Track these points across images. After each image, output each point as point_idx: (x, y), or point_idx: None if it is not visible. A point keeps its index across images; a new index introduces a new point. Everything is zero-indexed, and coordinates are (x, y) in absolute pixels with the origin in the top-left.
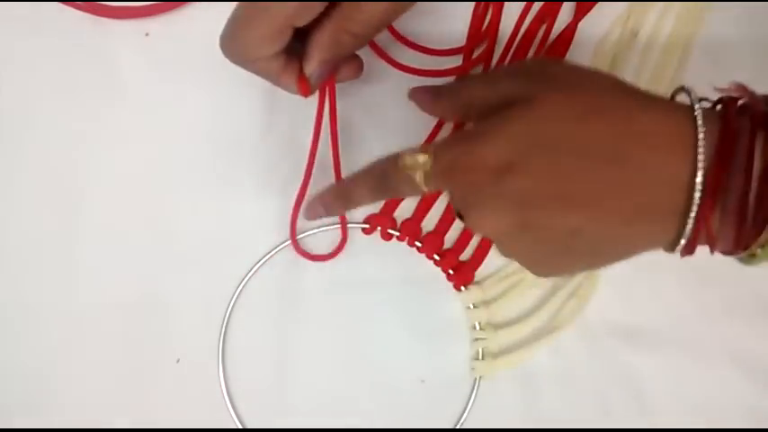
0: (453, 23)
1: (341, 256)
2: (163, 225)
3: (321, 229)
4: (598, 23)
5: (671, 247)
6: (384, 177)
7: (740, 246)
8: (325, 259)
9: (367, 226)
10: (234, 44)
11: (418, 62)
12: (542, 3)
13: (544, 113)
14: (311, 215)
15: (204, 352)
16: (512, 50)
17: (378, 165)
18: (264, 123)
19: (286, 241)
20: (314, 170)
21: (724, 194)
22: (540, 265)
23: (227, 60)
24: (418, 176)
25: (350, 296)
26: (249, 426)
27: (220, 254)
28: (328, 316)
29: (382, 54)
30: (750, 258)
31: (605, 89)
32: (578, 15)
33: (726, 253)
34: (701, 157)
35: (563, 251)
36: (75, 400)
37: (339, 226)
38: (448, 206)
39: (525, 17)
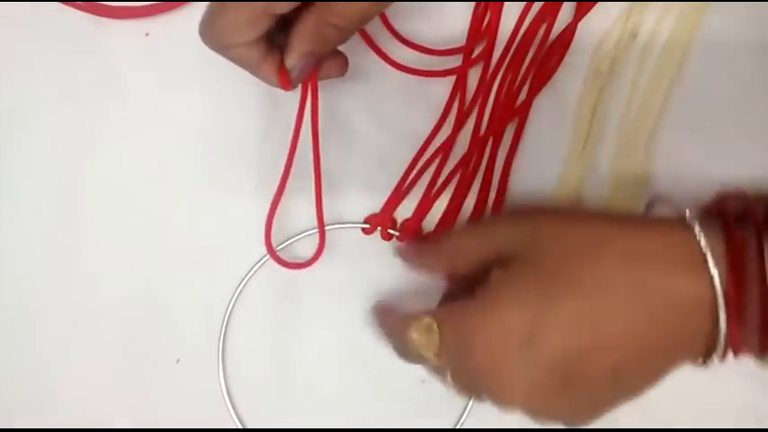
0: (453, 23)
1: (341, 256)
2: (163, 225)
3: (304, 235)
4: (597, 24)
5: (701, 362)
6: (396, 341)
7: (765, 351)
8: (302, 267)
9: (367, 226)
10: (211, 29)
11: (418, 62)
12: (542, 2)
13: (551, 267)
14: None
15: (204, 352)
16: (511, 50)
17: (388, 328)
18: (264, 123)
19: (279, 245)
20: (303, 172)
21: (745, 308)
22: (584, 415)
23: (226, 60)
24: (428, 354)
25: (350, 296)
26: (249, 426)
27: (220, 254)
28: (328, 316)
29: (381, 54)
30: None
31: (595, 224)
32: (578, 15)
33: (749, 356)
34: (716, 279)
35: (606, 394)
36: (75, 400)
37: (317, 231)
38: (448, 206)
39: (525, 17)
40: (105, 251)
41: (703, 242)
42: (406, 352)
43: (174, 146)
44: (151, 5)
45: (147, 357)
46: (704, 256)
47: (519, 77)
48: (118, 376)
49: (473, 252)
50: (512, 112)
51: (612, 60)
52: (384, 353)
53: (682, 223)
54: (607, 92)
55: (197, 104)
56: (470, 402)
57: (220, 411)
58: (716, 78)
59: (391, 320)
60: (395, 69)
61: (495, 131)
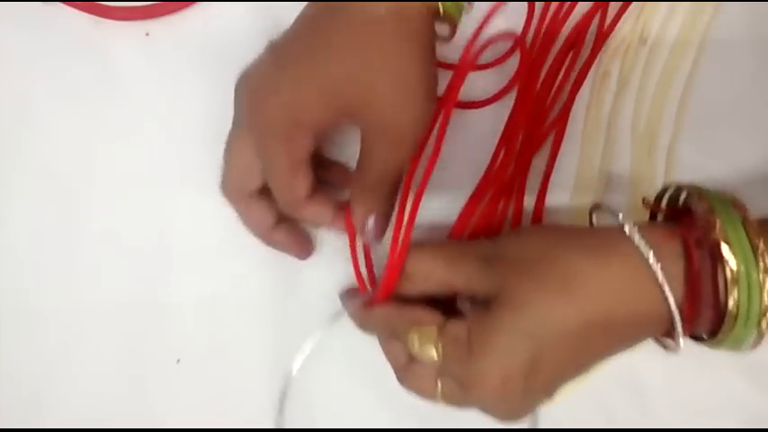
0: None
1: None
2: (163, 225)
3: None
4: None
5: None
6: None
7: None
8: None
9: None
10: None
11: None
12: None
13: (531, 310)
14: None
15: (204, 352)
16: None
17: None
18: None
19: None
20: None
21: (699, 317)
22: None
23: (226, 60)
24: (422, 356)
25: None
26: (251, 426)
27: (220, 253)
28: (328, 315)
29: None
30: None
31: (562, 261)
32: (616, 18)
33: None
34: (672, 304)
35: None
36: (76, 400)
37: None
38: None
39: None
40: (105, 251)
41: (664, 285)
42: (392, 346)
43: (174, 146)
44: (151, 6)
45: (147, 357)
46: (661, 287)
47: (554, 88)
48: (118, 376)
49: (445, 281)
50: (549, 125)
51: (621, 62)
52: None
53: (638, 254)
54: (617, 94)
55: (197, 104)
56: None
57: (220, 411)
58: (718, 79)
59: (389, 314)
60: None
61: (534, 146)
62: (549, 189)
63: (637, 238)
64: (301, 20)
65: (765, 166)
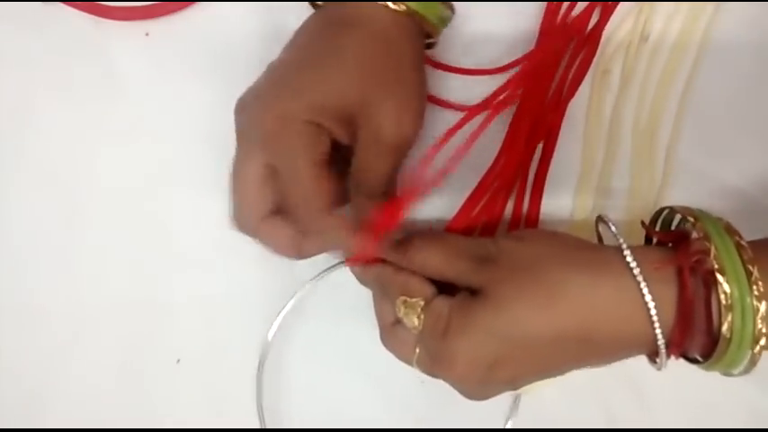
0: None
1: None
2: (163, 225)
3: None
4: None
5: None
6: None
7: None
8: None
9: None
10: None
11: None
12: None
13: (509, 316)
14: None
15: (204, 352)
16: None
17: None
18: None
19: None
20: None
21: (689, 343)
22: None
23: (226, 60)
24: (408, 323)
25: (350, 296)
26: (250, 426)
27: (220, 254)
28: (328, 316)
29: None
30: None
31: (552, 272)
32: (604, 17)
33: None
34: (659, 336)
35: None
36: (76, 400)
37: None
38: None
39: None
40: (106, 251)
41: (652, 311)
42: (384, 302)
43: (174, 146)
44: (151, 6)
45: (148, 357)
46: (649, 313)
47: (552, 87)
48: (118, 376)
49: (439, 270)
50: (547, 124)
51: (622, 61)
52: (384, 353)
53: (631, 276)
54: (618, 93)
55: (197, 104)
56: None
57: (220, 411)
58: (718, 78)
59: (384, 274)
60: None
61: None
62: (549, 189)
63: (632, 263)
64: (304, 32)
65: (765, 165)
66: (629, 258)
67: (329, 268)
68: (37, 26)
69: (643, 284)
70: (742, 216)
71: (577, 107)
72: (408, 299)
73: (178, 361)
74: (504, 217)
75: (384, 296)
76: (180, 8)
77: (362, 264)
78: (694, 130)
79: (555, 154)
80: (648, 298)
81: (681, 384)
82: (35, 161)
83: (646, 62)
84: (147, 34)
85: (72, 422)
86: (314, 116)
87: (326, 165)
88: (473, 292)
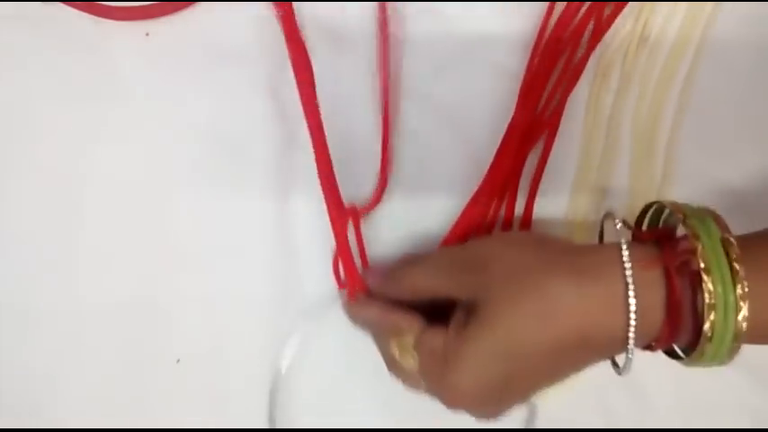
0: None
1: None
2: (163, 225)
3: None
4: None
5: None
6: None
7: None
8: None
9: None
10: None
11: None
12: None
13: (506, 332)
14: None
15: (204, 352)
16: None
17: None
18: (265, 123)
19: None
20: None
21: (677, 340)
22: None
23: (226, 60)
24: (405, 364)
25: None
26: (251, 426)
27: (220, 254)
28: (328, 316)
29: None
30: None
31: (545, 280)
32: (614, 12)
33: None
34: (631, 341)
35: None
36: (76, 400)
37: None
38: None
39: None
40: (105, 251)
41: (632, 321)
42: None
43: (174, 146)
44: (151, 6)
45: (147, 357)
46: (634, 320)
47: (550, 84)
48: (118, 376)
49: (427, 287)
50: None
51: (621, 61)
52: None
53: (623, 282)
54: (618, 93)
55: (197, 104)
56: None
57: (220, 411)
58: (718, 78)
59: (373, 316)
60: None
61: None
62: (548, 189)
63: (627, 266)
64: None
65: (765, 165)
66: (626, 262)
67: None
68: (37, 26)
69: (631, 290)
70: (741, 215)
71: (577, 107)
72: (400, 339)
73: (178, 361)
74: (498, 217)
75: (379, 336)
76: (180, 8)
77: (357, 303)
78: (693, 130)
79: (553, 154)
80: (633, 309)
81: (681, 384)
82: (35, 161)
83: (644, 62)
84: (147, 34)
85: (72, 422)
86: None
87: None
88: (468, 307)
